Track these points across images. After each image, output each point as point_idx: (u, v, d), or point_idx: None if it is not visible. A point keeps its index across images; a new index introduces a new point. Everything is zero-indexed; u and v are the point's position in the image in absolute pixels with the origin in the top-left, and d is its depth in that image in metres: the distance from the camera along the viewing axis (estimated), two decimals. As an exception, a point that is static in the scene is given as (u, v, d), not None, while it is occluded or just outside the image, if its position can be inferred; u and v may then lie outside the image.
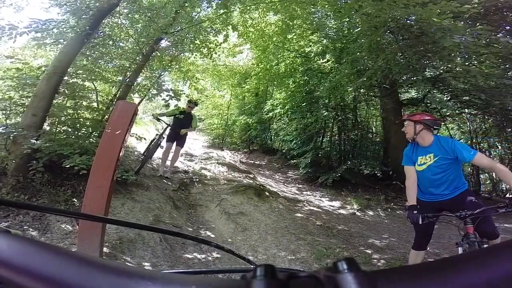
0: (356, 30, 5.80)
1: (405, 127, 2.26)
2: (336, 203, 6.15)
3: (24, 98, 3.76)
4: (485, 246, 1.84)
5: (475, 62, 5.62)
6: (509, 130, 8.01)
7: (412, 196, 2.14)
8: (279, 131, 10.28)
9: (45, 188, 3.40)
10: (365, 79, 5.99)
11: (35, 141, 3.24)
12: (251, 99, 12.19)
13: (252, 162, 9.97)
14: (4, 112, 3.57)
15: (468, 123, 9.31)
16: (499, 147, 9.36)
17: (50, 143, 3.39)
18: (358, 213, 5.51)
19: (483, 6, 4.52)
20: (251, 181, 6.12)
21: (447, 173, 2.15)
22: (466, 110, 8.29)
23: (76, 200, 3.48)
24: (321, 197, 6.57)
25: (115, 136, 2.10)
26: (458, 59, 5.60)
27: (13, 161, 3.32)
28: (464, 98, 6.93)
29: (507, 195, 8.73)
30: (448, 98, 7.28)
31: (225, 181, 5.78)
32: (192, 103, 5.23)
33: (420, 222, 1.88)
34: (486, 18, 4.72)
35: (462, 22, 4.59)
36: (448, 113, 7.74)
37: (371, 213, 5.66)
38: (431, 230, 2.31)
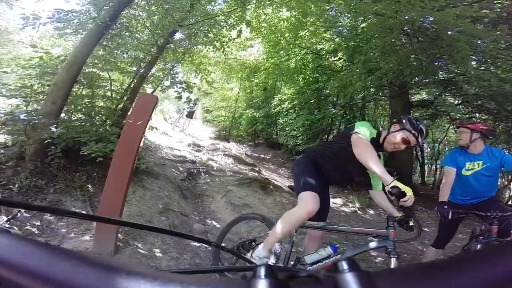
0: (363, 25, 5.69)
1: (460, 133, 2.32)
2: (339, 201, 6.24)
3: (43, 86, 3.89)
4: None
5: (491, 66, 5.52)
6: (518, 136, 7.89)
7: (445, 193, 2.26)
8: (286, 126, 10.33)
9: (61, 174, 3.53)
10: (374, 77, 5.95)
11: (55, 129, 3.37)
12: (259, 93, 12.20)
13: (257, 155, 10.07)
14: (25, 99, 3.70)
15: (478, 128, 9.19)
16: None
17: (67, 129, 3.52)
18: (359, 212, 5.59)
19: (506, 10, 4.43)
20: (256, 174, 6.23)
21: (490, 179, 2.28)
22: (477, 115, 8.19)
23: (90, 186, 3.62)
24: (324, 194, 6.64)
25: (137, 126, 2.24)
26: (473, 63, 5.52)
27: (32, 146, 3.46)
28: (475, 102, 6.85)
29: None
30: (460, 102, 7.20)
31: (231, 173, 5.89)
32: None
33: (450, 217, 2.04)
34: (509, 22, 4.63)
35: (481, 26, 4.52)
36: (457, 117, 7.67)
37: (372, 212, 5.74)
38: (455, 230, 2.44)
